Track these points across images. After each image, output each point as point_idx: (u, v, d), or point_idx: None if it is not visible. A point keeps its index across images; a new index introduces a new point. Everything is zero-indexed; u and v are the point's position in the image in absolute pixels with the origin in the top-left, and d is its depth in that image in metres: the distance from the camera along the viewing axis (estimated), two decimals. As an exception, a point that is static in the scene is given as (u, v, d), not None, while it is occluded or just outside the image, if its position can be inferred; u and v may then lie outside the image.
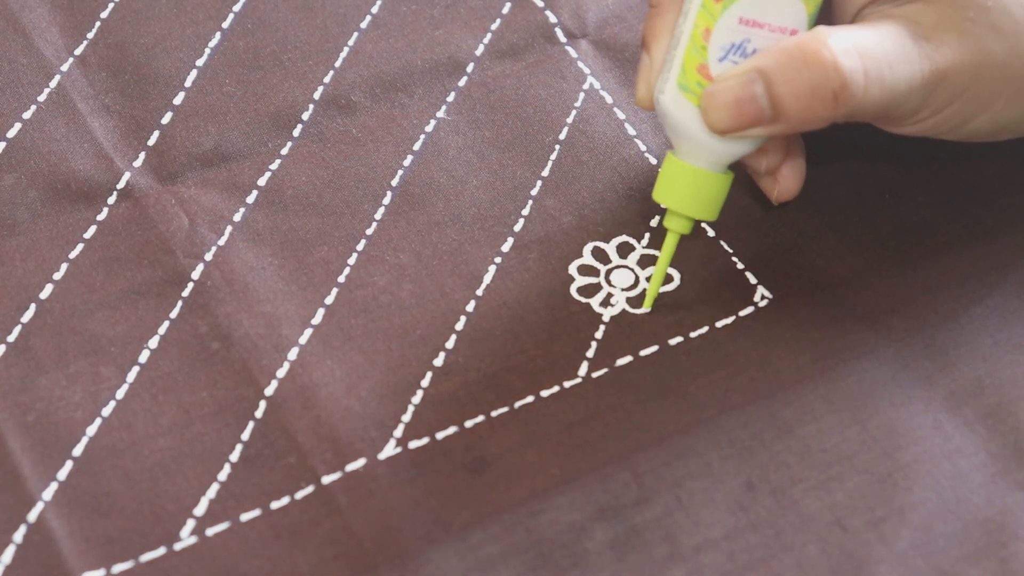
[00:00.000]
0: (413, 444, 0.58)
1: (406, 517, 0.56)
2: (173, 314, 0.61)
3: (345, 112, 0.68)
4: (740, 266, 0.63)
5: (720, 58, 0.57)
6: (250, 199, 0.64)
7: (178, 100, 0.68)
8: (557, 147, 0.67)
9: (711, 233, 0.64)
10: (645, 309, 0.61)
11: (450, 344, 0.60)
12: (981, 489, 0.57)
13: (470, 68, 0.69)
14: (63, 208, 0.64)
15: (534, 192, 0.65)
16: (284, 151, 0.66)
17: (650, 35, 0.60)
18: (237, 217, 0.64)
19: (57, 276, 0.62)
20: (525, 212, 0.64)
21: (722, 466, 0.57)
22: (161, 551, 0.55)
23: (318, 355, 0.60)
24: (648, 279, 0.62)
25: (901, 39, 0.57)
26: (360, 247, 0.63)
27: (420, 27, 0.71)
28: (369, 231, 0.64)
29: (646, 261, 0.63)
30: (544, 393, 0.59)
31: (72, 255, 0.62)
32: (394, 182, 0.65)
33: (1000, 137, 0.60)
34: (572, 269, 0.63)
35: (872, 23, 0.57)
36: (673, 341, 0.61)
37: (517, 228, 0.64)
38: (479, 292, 0.62)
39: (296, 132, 0.67)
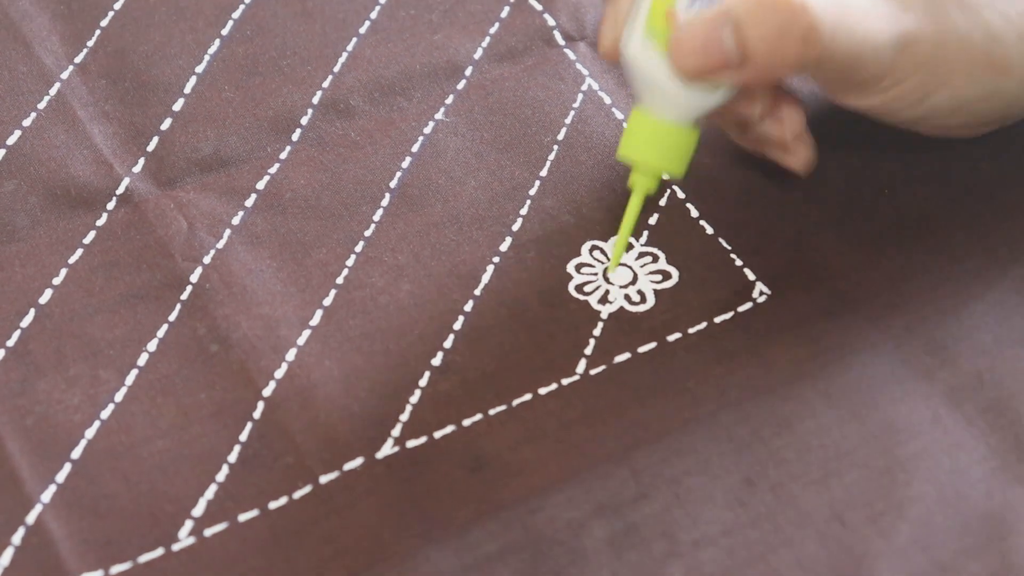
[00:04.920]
0: (411, 443, 0.58)
1: (404, 516, 0.56)
2: (172, 317, 0.61)
3: (344, 116, 0.68)
4: (738, 263, 0.63)
5: (689, 4, 0.57)
6: (249, 203, 0.65)
7: (177, 106, 0.68)
8: (555, 148, 0.67)
9: (709, 230, 0.64)
10: (611, 271, 0.62)
11: (448, 344, 0.60)
12: (981, 483, 0.57)
13: (468, 71, 0.69)
14: (63, 214, 0.64)
15: (532, 192, 0.65)
16: (283, 155, 0.66)
17: None
18: (236, 221, 0.64)
19: (56, 281, 0.62)
20: (523, 212, 0.64)
21: (721, 462, 0.57)
22: (159, 552, 0.55)
23: (316, 356, 0.60)
24: (648, 274, 0.62)
25: None
26: (358, 248, 0.63)
27: (418, 32, 0.71)
28: (367, 233, 0.64)
29: (644, 258, 0.63)
30: (542, 391, 0.59)
31: (71, 260, 0.63)
32: (392, 184, 0.65)
33: (957, 118, 0.60)
34: (570, 267, 0.63)
35: None
36: (671, 338, 0.61)
37: (515, 228, 0.64)
38: (477, 292, 0.62)
39: (295, 136, 0.67)
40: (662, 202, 0.65)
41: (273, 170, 0.66)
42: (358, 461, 0.57)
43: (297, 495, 0.56)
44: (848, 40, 0.56)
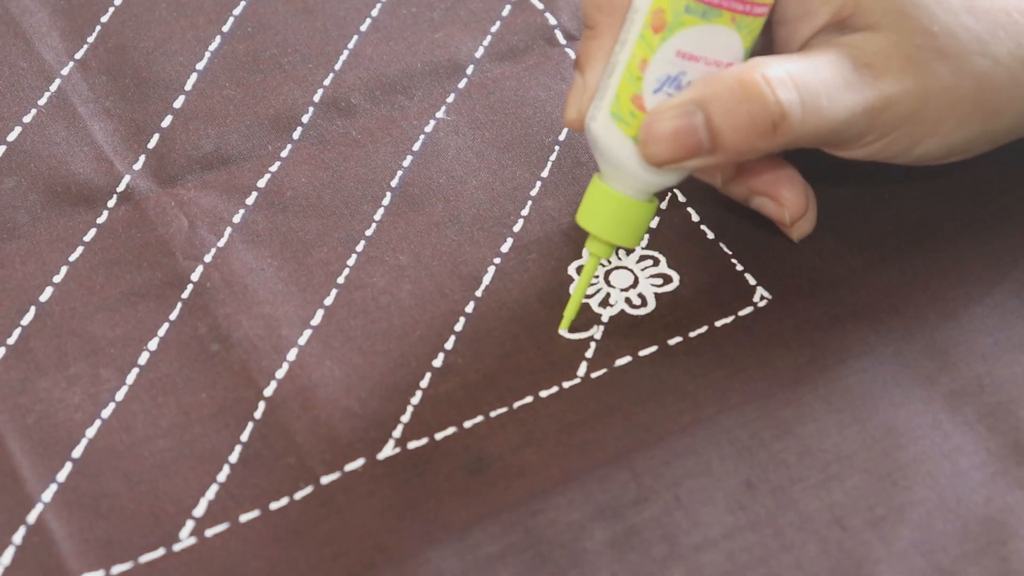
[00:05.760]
0: (412, 444, 0.58)
1: (405, 517, 0.56)
2: (173, 316, 0.61)
3: (345, 114, 0.68)
4: (739, 267, 0.63)
5: (655, 90, 0.57)
6: (250, 201, 0.65)
7: (178, 103, 0.68)
8: (557, 148, 0.67)
9: (710, 235, 0.64)
10: (562, 330, 0.61)
11: (449, 345, 0.60)
12: (981, 488, 0.57)
13: (470, 70, 0.69)
14: (63, 211, 0.64)
15: (533, 193, 0.65)
16: (284, 153, 0.66)
17: (585, 58, 0.59)
18: (237, 219, 0.64)
19: (57, 279, 0.62)
20: (524, 213, 0.64)
21: (721, 465, 0.57)
22: (160, 552, 0.55)
23: (317, 356, 0.60)
24: (649, 278, 0.62)
25: (840, 67, 0.56)
26: (359, 248, 0.63)
27: (420, 30, 0.71)
28: (368, 232, 0.64)
29: (645, 262, 0.63)
30: (543, 393, 0.59)
31: (72, 258, 0.63)
32: (393, 183, 0.65)
33: (948, 160, 0.60)
34: (571, 270, 0.63)
35: (810, 53, 0.57)
36: (672, 341, 0.61)
37: (516, 229, 0.64)
38: (478, 293, 0.62)
39: (296, 134, 0.67)
40: (663, 206, 0.65)
41: (274, 168, 0.66)
42: (359, 462, 0.57)
43: (298, 496, 0.56)
44: (817, 120, 0.56)
